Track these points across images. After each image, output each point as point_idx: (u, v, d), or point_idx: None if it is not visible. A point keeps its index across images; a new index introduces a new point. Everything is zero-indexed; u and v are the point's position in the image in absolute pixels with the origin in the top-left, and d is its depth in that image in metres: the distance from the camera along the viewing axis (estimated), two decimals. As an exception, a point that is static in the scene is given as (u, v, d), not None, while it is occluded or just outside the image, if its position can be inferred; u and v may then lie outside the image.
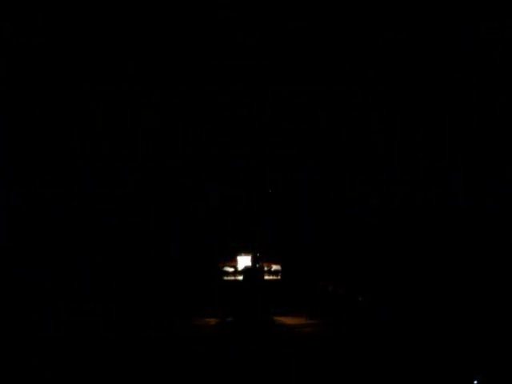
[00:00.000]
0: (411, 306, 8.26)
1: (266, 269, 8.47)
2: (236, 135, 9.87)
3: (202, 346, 6.95)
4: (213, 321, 8.33)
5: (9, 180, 8.83)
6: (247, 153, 9.85)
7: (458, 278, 8.48)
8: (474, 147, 9.09)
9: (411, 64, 9.37)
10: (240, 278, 8.48)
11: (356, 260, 9.34)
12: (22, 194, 8.90)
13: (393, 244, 9.07)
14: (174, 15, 9.18)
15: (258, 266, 8.13)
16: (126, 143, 9.48)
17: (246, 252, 8.80)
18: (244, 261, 8.61)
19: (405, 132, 9.52)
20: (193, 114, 9.69)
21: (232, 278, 8.74)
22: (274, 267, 8.85)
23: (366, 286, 9.04)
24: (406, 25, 9.24)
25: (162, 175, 9.57)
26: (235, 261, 8.81)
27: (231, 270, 8.83)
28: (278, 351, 6.74)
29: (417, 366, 6.06)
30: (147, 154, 9.47)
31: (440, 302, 8.19)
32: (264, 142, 9.86)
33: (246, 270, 8.24)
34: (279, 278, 8.79)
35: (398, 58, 9.39)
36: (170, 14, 9.18)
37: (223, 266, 8.88)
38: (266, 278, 8.39)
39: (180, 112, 9.66)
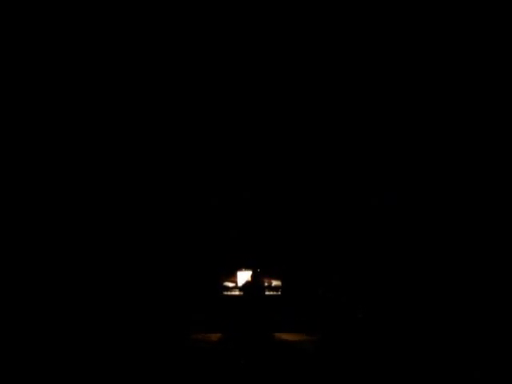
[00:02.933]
0: (411, 319, 8.38)
1: (266, 284, 8.50)
2: (236, 135, 9.86)
3: (201, 360, 7.04)
4: (213, 336, 8.44)
5: (9, 180, 8.82)
6: (248, 158, 9.86)
7: (458, 281, 8.58)
8: (474, 147, 9.09)
9: (411, 64, 9.30)
10: (240, 293, 8.51)
11: (356, 275, 9.42)
12: (22, 194, 8.90)
13: (393, 256, 9.15)
14: (174, 15, 9.04)
15: (258, 281, 8.16)
16: (125, 143, 9.46)
17: (246, 267, 8.85)
18: (244, 276, 8.64)
19: (405, 132, 9.51)
20: (192, 114, 9.66)
21: (232, 293, 8.78)
22: (274, 283, 8.89)
23: (365, 302, 9.13)
24: (405, 25, 9.14)
25: (162, 185, 9.57)
26: (235, 276, 8.85)
27: (231, 285, 8.88)
28: (276, 367, 6.84)
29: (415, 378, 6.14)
30: (148, 159, 9.46)
31: (441, 308, 8.30)
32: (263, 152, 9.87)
33: (246, 286, 8.27)
34: (279, 293, 8.84)
35: (397, 57, 9.32)
36: (170, 14, 9.04)
37: (223, 281, 8.92)
38: (267, 293, 8.42)
39: (180, 112, 9.62)
